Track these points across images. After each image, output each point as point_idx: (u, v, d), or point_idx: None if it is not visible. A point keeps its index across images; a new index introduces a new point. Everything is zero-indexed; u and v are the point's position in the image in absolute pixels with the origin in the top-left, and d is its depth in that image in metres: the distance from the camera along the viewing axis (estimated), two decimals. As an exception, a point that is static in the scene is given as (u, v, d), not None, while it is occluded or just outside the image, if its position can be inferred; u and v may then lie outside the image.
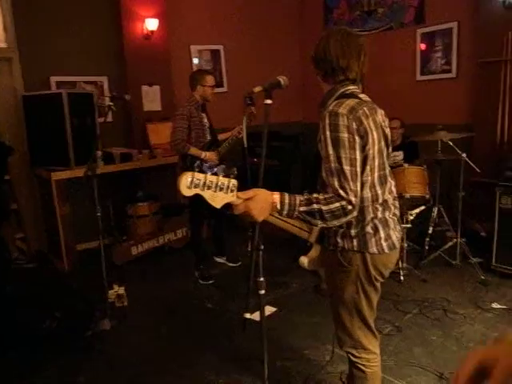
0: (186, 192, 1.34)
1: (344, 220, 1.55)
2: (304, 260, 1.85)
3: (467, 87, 4.70)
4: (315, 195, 1.53)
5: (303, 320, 3.30)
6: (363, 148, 1.60)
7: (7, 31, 4.57)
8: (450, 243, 4.06)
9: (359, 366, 1.85)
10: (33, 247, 4.84)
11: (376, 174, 1.66)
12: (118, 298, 3.58)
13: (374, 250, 1.68)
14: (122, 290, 3.61)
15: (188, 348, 3.02)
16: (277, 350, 2.85)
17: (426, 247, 4.14)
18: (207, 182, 1.36)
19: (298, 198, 1.52)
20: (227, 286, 3.95)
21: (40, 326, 3.26)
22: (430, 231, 4.11)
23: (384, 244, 1.69)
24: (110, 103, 3.43)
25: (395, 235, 1.75)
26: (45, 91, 4.55)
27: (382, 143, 1.70)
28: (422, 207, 4.00)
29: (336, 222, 1.55)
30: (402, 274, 3.82)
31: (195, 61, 5.78)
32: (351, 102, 1.62)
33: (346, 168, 1.53)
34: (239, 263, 4.41)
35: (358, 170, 1.56)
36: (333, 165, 1.55)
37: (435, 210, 4.09)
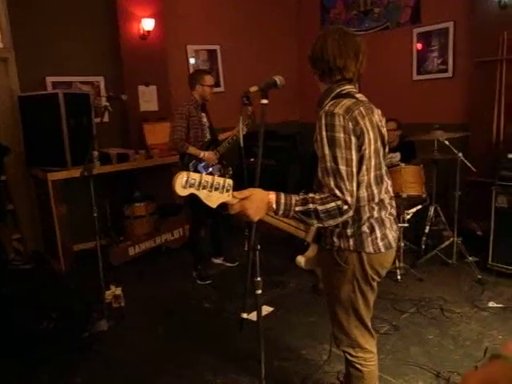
0: (181, 192, 1.34)
1: (340, 220, 1.55)
2: (301, 259, 1.85)
3: (463, 87, 4.72)
4: (311, 195, 1.53)
5: (300, 320, 3.30)
6: (359, 148, 1.60)
7: (3, 31, 4.55)
8: (447, 242, 4.07)
9: (356, 365, 1.86)
10: (29, 248, 4.83)
11: (372, 174, 1.67)
12: (115, 299, 3.57)
13: (370, 249, 1.68)
14: (119, 291, 3.61)
15: (185, 348, 3.02)
16: (274, 349, 2.85)
17: (423, 246, 4.15)
18: (202, 181, 1.36)
19: (294, 198, 1.52)
20: (224, 286, 3.95)
21: (37, 326, 3.25)
22: (426, 230, 4.12)
23: (380, 243, 1.70)
24: (107, 103, 3.43)
25: (392, 234, 1.75)
26: (41, 91, 4.54)
27: (379, 143, 1.70)
28: (419, 206, 4.01)
29: (332, 222, 1.55)
30: (398, 273, 3.82)
31: (192, 61, 5.77)
32: (347, 101, 1.62)
33: (342, 168, 1.54)
34: (236, 263, 4.41)
35: (354, 169, 1.57)
36: (329, 164, 1.55)
37: (432, 209, 4.10)
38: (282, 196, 1.52)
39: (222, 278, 4.14)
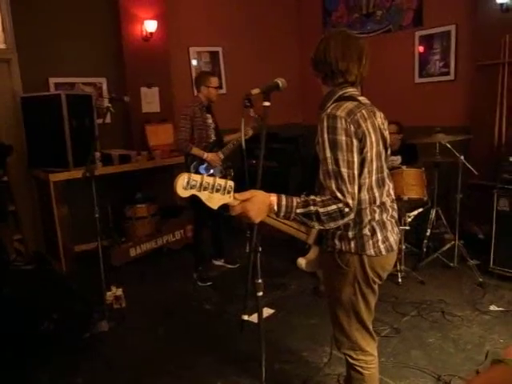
0: (182, 193, 1.34)
1: (341, 222, 1.55)
2: (302, 261, 1.85)
3: (465, 90, 4.72)
4: (312, 197, 1.53)
5: (301, 322, 3.30)
6: (361, 151, 1.60)
7: (6, 32, 4.57)
8: (448, 245, 4.06)
9: (357, 367, 1.85)
10: (31, 249, 4.83)
11: (374, 177, 1.67)
12: (116, 300, 3.57)
13: (371, 252, 1.68)
14: (120, 292, 3.61)
15: (186, 349, 3.01)
16: (275, 351, 2.85)
17: (424, 249, 4.15)
18: (204, 183, 1.36)
19: (295, 200, 1.52)
20: (225, 288, 3.95)
21: (38, 327, 3.25)
22: (428, 233, 4.12)
23: (381, 246, 1.70)
24: (109, 104, 3.43)
25: (393, 237, 1.75)
26: (43, 92, 4.55)
27: (381, 146, 1.70)
28: (420, 209, 4.01)
29: (333, 225, 1.55)
30: (400, 276, 3.82)
31: (194, 62, 5.79)
32: (350, 104, 1.63)
33: (344, 170, 1.54)
34: (237, 265, 4.41)
35: (356, 172, 1.57)
36: (330, 167, 1.55)
37: (433, 212, 4.10)
38: (284, 198, 1.52)
39: (222, 280, 4.14)
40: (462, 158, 3.80)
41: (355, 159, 1.57)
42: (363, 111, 1.63)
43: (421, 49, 5.08)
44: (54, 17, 4.76)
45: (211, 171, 3.95)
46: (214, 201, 1.40)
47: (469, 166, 3.79)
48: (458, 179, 3.89)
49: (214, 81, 3.95)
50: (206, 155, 3.89)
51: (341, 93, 1.71)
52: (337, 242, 1.71)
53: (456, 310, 3.36)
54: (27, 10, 4.61)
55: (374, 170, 1.66)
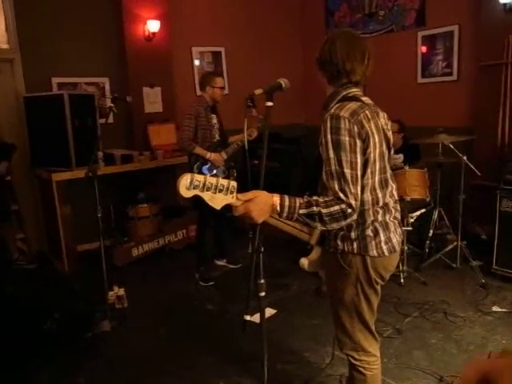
0: (185, 193, 1.34)
1: (344, 223, 1.55)
2: (304, 262, 1.85)
3: (468, 90, 4.71)
4: (315, 198, 1.53)
5: (303, 322, 3.29)
6: (364, 151, 1.60)
7: (9, 32, 4.58)
8: (451, 246, 4.05)
9: (359, 368, 1.85)
10: (33, 248, 4.84)
11: (377, 178, 1.66)
12: (118, 300, 3.58)
13: (374, 252, 1.68)
14: (122, 292, 3.62)
15: (188, 349, 3.02)
16: (277, 352, 2.85)
17: (427, 250, 4.14)
18: (207, 183, 1.36)
19: (298, 201, 1.52)
20: (227, 288, 3.95)
21: (40, 326, 3.25)
22: (430, 234, 4.11)
23: (384, 247, 1.69)
24: (112, 104, 3.44)
25: (396, 238, 1.74)
26: (46, 92, 4.56)
27: (384, 147, 1.70)
28: (423, 210, 4.00)
29: (335, 225, 1.55)
30: (402, 276, 3.81)
31: (197, 62, 5.79)
32: (353, 105, 1.62)
33: (347, 171, 1.53)
34: (239, 265, 4.41)
35: (359, 173, 1.57)
36: (333, 168, 1.55)
37: (436, 212, 4.09)
38: (286, 198, 1.52)
39: (224, 280, 4.14)
40: (465, 158, 3.80)
41: (358, 160, 1.56)
42: (367, 112, 1.63)
43: (423, 49, 5.07)
44: (56, 17, 4.77)
45: (214, 171, 3.96)
46: (217, 201, 1.40)
47: (472, 167, 3.78)
48: (461, 180, 3.88)
49: (219, 81, 3.97)
50: (209, 155, 3.90)
51: (344, 93, 1.71)
52: (339, 242, 1.71)
53: (458, 310, 3.35)
54: (30, 10, 4.62)
55: (377, 170, 1.66)
